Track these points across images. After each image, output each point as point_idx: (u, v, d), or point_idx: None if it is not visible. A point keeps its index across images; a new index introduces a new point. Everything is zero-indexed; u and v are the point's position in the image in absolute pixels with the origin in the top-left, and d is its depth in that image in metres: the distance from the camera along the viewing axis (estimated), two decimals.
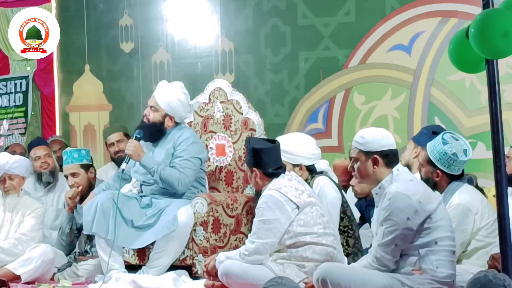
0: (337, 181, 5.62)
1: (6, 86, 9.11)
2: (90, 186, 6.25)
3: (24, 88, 9.04)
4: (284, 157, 5.38)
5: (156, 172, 5.70)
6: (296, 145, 5.42)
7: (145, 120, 5.91)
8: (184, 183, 5.73)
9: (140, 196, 5.86)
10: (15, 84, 9.06)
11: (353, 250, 5.38)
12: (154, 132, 5.89)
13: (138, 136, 5.82)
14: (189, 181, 5.77)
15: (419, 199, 4.20)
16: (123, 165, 5.79)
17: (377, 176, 4.35)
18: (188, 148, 5.79)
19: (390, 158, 4.35)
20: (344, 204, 5.44)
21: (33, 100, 9.07)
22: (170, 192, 5.76)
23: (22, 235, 6.02)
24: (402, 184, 4.25)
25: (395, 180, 4.29)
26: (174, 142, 5.83)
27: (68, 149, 6.52)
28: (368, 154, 4.36)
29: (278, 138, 5.54)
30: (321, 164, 5.52)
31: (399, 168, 4.36)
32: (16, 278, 5.82)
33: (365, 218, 6.18)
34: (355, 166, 4.41)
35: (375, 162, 4.34)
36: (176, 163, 5.74)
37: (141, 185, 5.95)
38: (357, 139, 4.42)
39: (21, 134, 8.88)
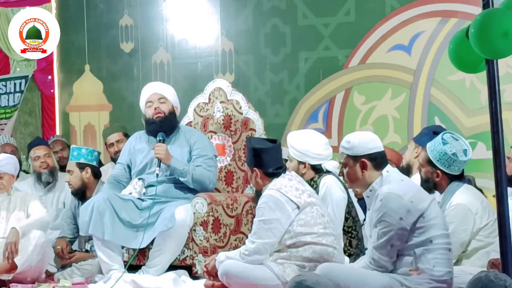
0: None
1: (5, 86, 9.11)
2: (84, 186, 6.28)
3: (23, 88, 9.04)
4: (291, 152, 5.39)
5: (188, 173, 5.70)
6: (304, 143, 5.41)
7: (158, 113, 5.86)
8: (214, 181, 5.83)
9: (140, 199, 5.82)
10: (15, 84, 9.06)
11: (356, 251, 5.37)
12: (171, 123, 5.89)
13: (162, 138, 5.78)
14: (216, 179, 5.87)
15: (411, 199, 4.20)
16: (157, 170, 5.70)
17: (366, 179, 4.35)
18: (208, 147, 5.89)
19: (378, 160, 4.34)
20: (350, 205, 5.43)
21: (33, 100, 9.07)
22: (175, 194, 5.76)
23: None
24: (393, 185, 4.25)
25: (386, 182, 4.29)
26: (188, 140, 5.84)
27: (76, 145, 6.59)
28: (355, 158, 4.35)
29: (290, 133, 5.56)
30: (328, 165, 5.50)
31: (389, 170, 4.36)
32: (13, 268, 5.81)
33: (365, 219, 6.18)
34: (344, 171, 4.41)
35: (364, 166, 4.33)
36: (201, 162, 5.77)
37: (146, 187, 5.89)
38: (343, 145, 4.41)
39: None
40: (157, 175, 5.70)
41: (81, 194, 6.30)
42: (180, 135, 5.91)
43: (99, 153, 6.50)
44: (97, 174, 6.34)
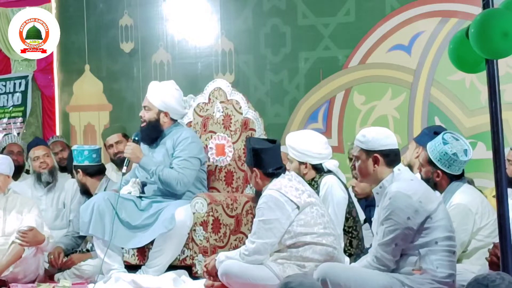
0: (345, 181, 5.61)
1: (5, 86, 9.11)
2: (83, 186, 6.43)
3: (23, 88, 9.03)
4: (291, 153, 5.39)
5: (155, 174, 5.72)
6: (304, 143, 5.41)
7: (142, 121, 5.95)
8: (183, 183, 5.74)
9: (140, 197, 5.84)
10: (14, 84, 9.06)
11: (356, 251, 5.37)
12: (152, 131, 5.90)
13: (136, 138, 5.86)
14: (188, 181, 5.76)
15: (420, 199, 4.20)
16: (124, 169, 5.78)
17: (377, 175, 4.35)
18: (187, 148, 5.80)
19: (391, 157, 4.35)
20: (350, 205, 5.43)
21: (34, 100, 9.07)
22: (172, 192, 5.76)
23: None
24: (403, 184, 4.25)
25: (396, 180, 4.29)
26: (174, 142, 5.84)
27: (75, 146, 6.66)
28: (369, 152, 4.36)
29: (289, 135, 5.56)
30: (329, 164, 5.50)
31: (400, 168, 4.36)
32: None
33: (366, 219, 6.18)
34: (356, 164, 4.42)
35: (376, 161, 4.34)
36: (174, 163, 5.76)
37: (143, 185, 5.94)
38: (358, 138, 4.42)
39: (18, 134, 8.89)
40: (123, 174, 5.79)
41: (83, 191, 6.45)
42: (169, 136, 5.90)
43: (93, 151, 6.46)
44: (92, 173, 6.37)
